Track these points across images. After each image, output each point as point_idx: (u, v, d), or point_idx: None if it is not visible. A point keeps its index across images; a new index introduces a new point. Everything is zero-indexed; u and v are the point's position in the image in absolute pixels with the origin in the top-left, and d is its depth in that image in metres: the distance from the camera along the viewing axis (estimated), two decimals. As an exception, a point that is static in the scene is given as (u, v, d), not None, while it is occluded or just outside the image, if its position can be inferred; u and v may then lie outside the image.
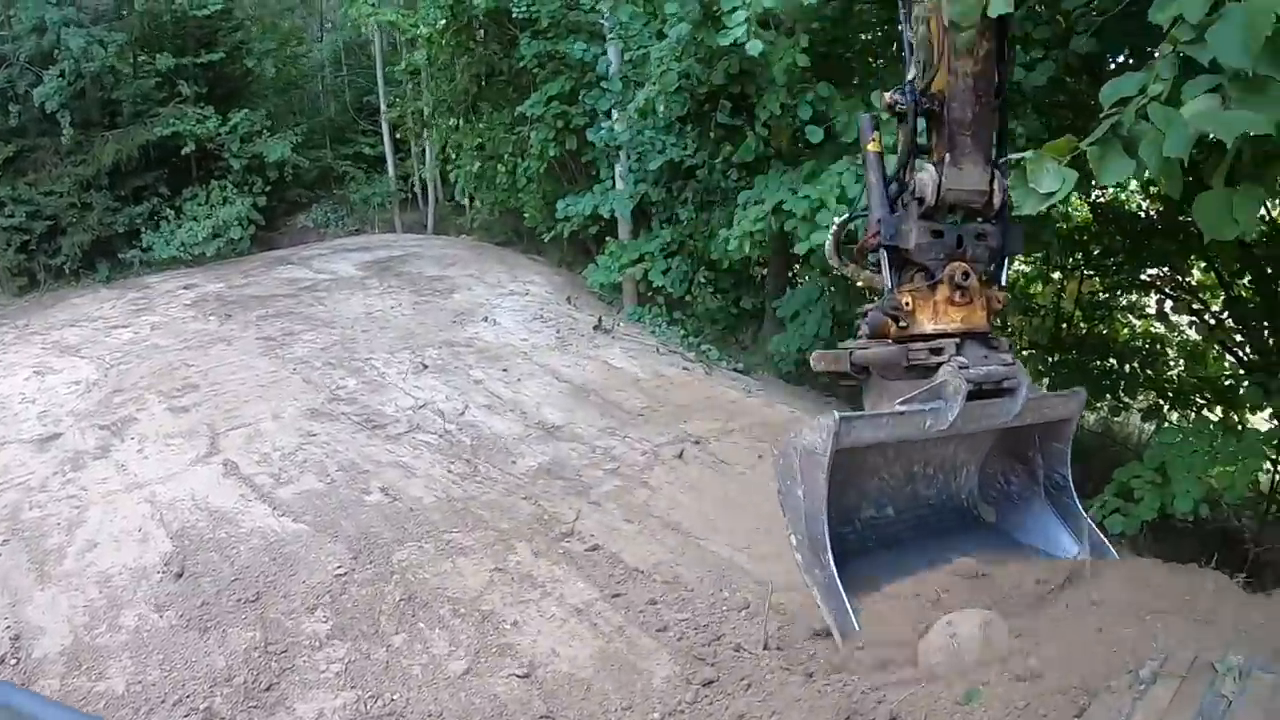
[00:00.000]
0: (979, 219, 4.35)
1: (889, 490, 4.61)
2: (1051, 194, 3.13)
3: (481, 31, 11.92)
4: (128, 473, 6.06)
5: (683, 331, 9.52)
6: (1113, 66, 6.52)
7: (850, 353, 4.56)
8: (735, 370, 8.91)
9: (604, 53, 10.10)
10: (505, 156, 11.78)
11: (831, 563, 3.94)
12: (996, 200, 4.19)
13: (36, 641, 4.39)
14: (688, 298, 9.97)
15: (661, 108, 8.44)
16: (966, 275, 4.16)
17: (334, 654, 4.15)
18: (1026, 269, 10.76)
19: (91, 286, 12.24)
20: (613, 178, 10.37)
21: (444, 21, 11.78)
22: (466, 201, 14.98)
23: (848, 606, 3.90)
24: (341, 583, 4.66)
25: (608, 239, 10.43)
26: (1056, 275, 10.62)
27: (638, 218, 10.46)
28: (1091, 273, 10.14)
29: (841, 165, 6.97)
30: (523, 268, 11.06)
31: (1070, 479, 4.75)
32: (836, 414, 3.83)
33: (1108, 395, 9.56)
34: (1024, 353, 10.10)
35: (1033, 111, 6.67)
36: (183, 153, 13.34)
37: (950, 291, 4.21)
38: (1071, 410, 4.66)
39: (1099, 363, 9.73)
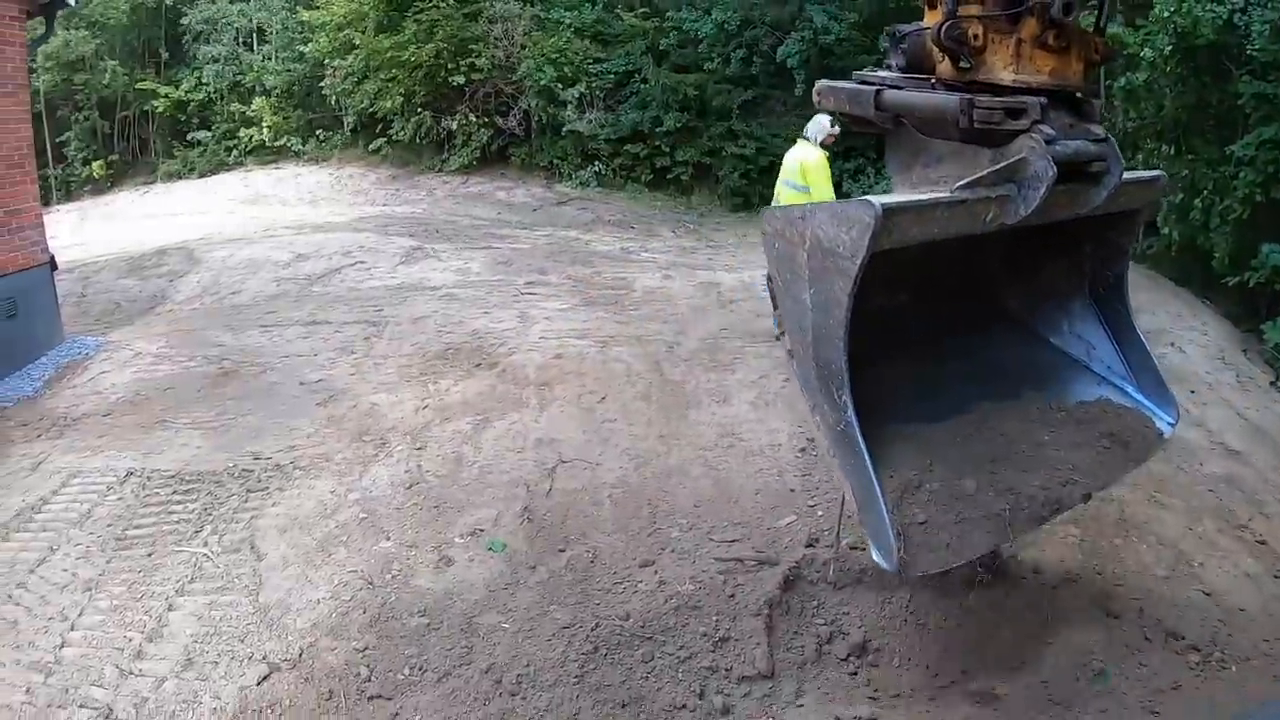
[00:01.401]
0: None
1: (904, 273, 3.84)
2: None
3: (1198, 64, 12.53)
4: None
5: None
6: None
7: (877, 91, 3.62)
8: None
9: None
10: (1205, 193, 12.31)
11: (851, 406, 3.24)
12: None
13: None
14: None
15: None
16: (1069, 9, 3.17)
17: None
18: None
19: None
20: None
21: (1169, 49, 12.64)
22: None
23: (886, 515, 3.27)
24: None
25: (1293, 301, 10.64)
26: None
27: (1331, 284, 10.45)
28: None
29: None
30: (1197, 306, 11.71)
31: (1126, 282, 4.02)
32: (878, 202, 3.00)
33: None
34: None
35: None
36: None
37: (1041, 28, 3.24)
38: (1148, 198, 3.92)
39: None
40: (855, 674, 4.40)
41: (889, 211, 2.97)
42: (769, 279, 3.64)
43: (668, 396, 7.27)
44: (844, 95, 3.77)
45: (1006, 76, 3.28)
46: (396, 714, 4.12)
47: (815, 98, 3.95)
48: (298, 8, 20.20)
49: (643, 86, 17.12)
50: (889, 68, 3.73)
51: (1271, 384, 9.52)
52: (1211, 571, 5.48)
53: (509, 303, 9.71)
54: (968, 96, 3.25)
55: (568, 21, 17.92)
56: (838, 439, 3.34)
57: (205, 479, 6.09)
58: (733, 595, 4.76)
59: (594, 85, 17.24)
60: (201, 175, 20.44)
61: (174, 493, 5.96)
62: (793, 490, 5.87)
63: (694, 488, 5.97)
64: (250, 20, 21.13)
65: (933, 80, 3.51)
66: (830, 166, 8.18)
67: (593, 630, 4.53)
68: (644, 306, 9.63)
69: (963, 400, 3.93)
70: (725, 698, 4.24)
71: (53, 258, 9.02)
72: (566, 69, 17.23)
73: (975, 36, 3.26)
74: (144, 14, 21.67)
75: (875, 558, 3.36)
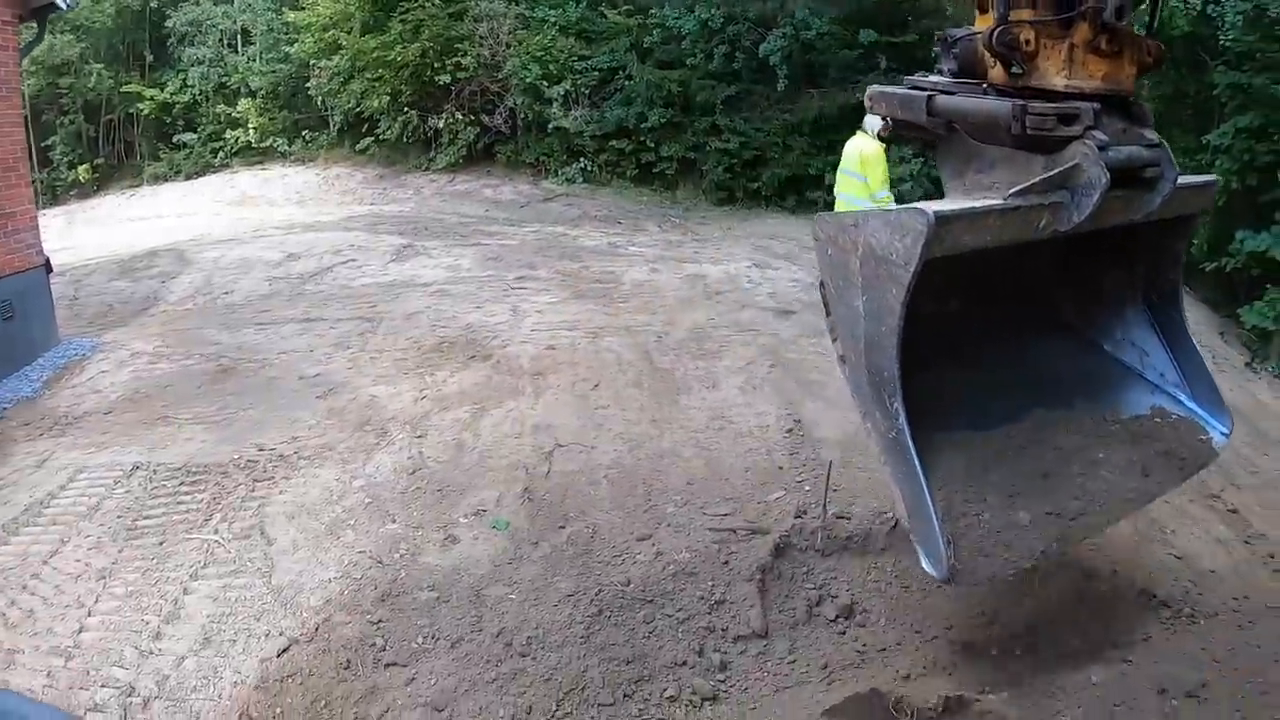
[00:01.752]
0: None
1: (956, 280, 3.78)
2: None
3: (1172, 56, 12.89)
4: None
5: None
6: None
7: (929, 97, 3.63)
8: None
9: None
10: (1186, 182, 12.55)
11: (903, 413, 3.28)
12: None
13: (814, 429, 6.66)
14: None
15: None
16: (1122, 12, 3.19)
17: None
18: None
19: (780, 214, 15.50)
20: (1293, 224, 10.74)
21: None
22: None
23: (936, 523, 3.28)
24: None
25: (1267, 286, 10.95)
26: None
27: (1310, 271, 10.75)
28: None
29: None
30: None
31: (1180, 289, 3.97)
32: (931, 210, 3.03)
33: None
34: None
35: None
36: (873, 118, 16.32)
37: (1094, 33, 3.24)
38: (1202, 203, 3.84)
39: None
40: (844, 633, 4.69)
41: (942, 220, 3.01)
42: (821, 285, 3.60)
43: (658, 383, 7.54)
44: (896, 101, 3.79)
45: (1059, 82, 3.28)
46: (413, 678, 4.37)
47: (867, 103, 3.99)
48: (283, 9, 20.39)
49: (627, 83, 17.37)
50: (940, 73, 3.73)
51: (1247, 365, 9.87)
52: (1183, 537, 5.78)
53: (500, 297, 9.97)
54: (1020, 102, 3.26)
55: (552, 20, 18.17)
56: (889, 446, 3.38)
57: (211, 470, 6.32)
58: (727, 562, 5.05)
59: (579, 82, 17.50)
60: (188, 177, 20.63)
61: (181, 484, 6.19)
62: (781, 468, 6.15)
63: (686, 467, 6.24)
64: (235, 22, 21.31)
65: (984, 86, 3.53)
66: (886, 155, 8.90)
67: (596, 595, 4.81)
68: (632, 299, 9.90)
69: (1015, 409, 3.95)
70: (723, 655, 4.52)
71: (48, 260, 9.22)
72: (551, 67, 17.49)
73: (1027, 42, 3.28)
74: (129, 17, 21.81)
75: (925, 566, 3.36)
